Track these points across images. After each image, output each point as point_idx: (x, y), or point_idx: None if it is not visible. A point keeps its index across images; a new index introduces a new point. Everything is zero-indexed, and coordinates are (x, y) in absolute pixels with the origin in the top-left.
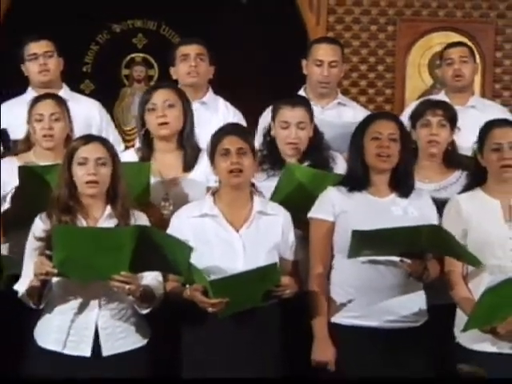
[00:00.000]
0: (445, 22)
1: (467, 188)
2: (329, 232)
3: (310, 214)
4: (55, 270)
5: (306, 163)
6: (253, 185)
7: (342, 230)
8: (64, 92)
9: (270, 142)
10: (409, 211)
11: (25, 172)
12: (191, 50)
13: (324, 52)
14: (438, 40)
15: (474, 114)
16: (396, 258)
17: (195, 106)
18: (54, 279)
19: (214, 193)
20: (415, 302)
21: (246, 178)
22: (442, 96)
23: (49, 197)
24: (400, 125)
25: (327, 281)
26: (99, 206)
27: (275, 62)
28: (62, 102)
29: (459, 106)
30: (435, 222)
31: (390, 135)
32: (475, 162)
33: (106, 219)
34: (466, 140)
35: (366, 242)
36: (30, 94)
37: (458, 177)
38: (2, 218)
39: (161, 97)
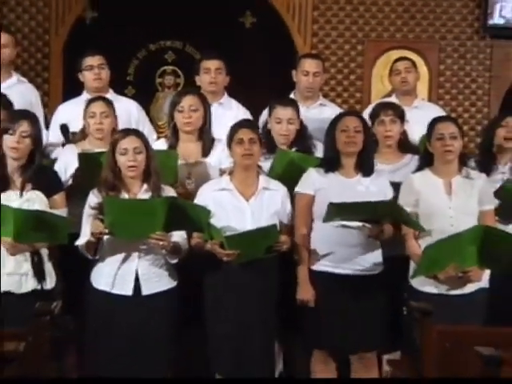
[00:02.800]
0: (400, 42)
1: (419, 168)
2: (310, 203)
3: (296, 189)
4: (106, 231)
5: (293, 149)
6: (259, 167)
7: (319, 201)
8: (110, 95)
9: (266, 132)
10: (370, 188)
11: (82, 157)
12: (212, 64)
13: (309, 65)
14: (395, 56)
15: (418, 113)
16: (360, 224)
17: (214, 106)
18: (105, 237)
19: (230, 173)
20: (374, 255)
21: (255, 160)
22: (393, 98)
23: (99, 176)
24: (363, 120)
25: (308, 238)
26: (137, 184)
27: (272, 72)
28: (109, 103)
29: (406, 106)
30: (390, 196)
31: (355, 128)
32: (424, 148)
33: (143, 193)
34: (411, 132)
35: (338, 212)
36: (85, 96)
37: (410, 159)
38: (66, 191)
39: (188, 102)
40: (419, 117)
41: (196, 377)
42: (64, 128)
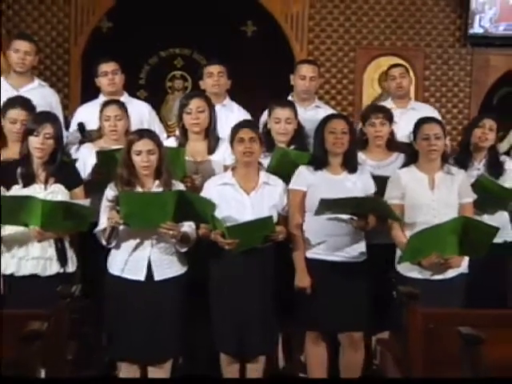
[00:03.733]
0: (389, 50)
1: (405, 165)
2: (303, 198)
3: (290, 187)
4: (121, 221)
5: (291, 147)
6: (259, 163)
7: (310, 196)
8: (124, 98)
9: (266, 132)
10: (356, 184)
11: (100, 155)
12: (214, 69)
13: (306, 70)
14: (384, 62)
15: (413, 114)
16: (347, 216)
17: (217, 107)
18: (121, 227)
19: (233, 169)
20: (359, 245)
21: (255, 157)
22: (389, 102)
23: (115, 171)
24: (349, 122)
25: (302, 229)
26: (150, 180)
27: (272, 76)
28: (122, 106)
29: (402, 108)
30: (373, 190)
31: (341, 130)
32: (411, 147)
33: (155, 188)
34: (408, 132)
35: (328, 207)
36: (101, 99)
37: (397, 156)
38: (85, 185)
39: (195, 104)
40: (416, 117)
41: (198, 375)
42: (81, 126)
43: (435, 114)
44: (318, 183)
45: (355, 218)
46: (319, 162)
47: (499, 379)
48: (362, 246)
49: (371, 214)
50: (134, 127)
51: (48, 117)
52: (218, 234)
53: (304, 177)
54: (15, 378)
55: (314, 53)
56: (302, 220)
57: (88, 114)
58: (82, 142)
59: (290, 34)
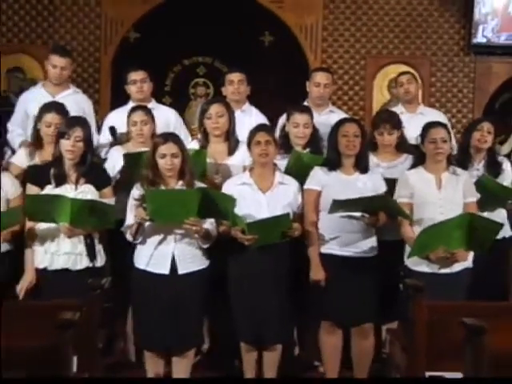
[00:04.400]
0: (397, 58)
1: (413, 166)
2: (317, 197)
3: (305, 186)
4: (148, 217)
5: (307, 149)
6: (275, 164)
7: (325, 195)
8: (152, 104)
9: (284, 135)
10: (367, 184)
11: (127, 157)
12: (235, 77)
13: (320, 77)
14: (393, 70)
15: (422, 118)
16: (359, 214)
17: (237, 113)
18: (146, 223)
19: (250, 169)
20: (371, 240)
21: (270, 159)
22: (399, 107)
23: (141, 172)
24: (361, 126)
25: (317, 226)
26: (174, 181)
27: (287, 83)
28: (148, 112)
29: (411, 113)
30: (384, 190)
31: (353, 133)
32: (419, 149)
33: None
34: (416, 135)
35: (341, 206)
36: (131, 104)
37: (405, 158)
38: (114, 185)
39: (215, 110)
40: (424, 122)
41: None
42: (112, 130)
43: (442, 118)
44: (331, 183)
45: (366, 215)
46: (333, 163)
47: (499, 379)
48: (373, 242)
49: (381, 211)
50: (161, 131)
51: (78, 121)
52: (238, 230)
53: (318, 177)
54: (16, 378)
55: (327, 61)
56: (317, 218)
57: (118, 118)
58: (112, 145)
59: (304, 43)
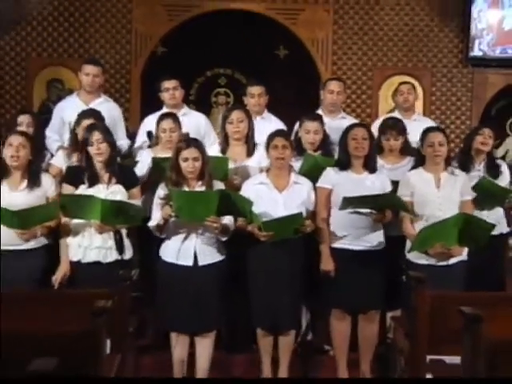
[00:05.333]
0: (401, 69)
1: (414, 167)
2: (328, 195)
3: (318, 184)
4: (173, 214)
5: (318, 152)
6: (291, 166)
7: (336, 194)
8: (184, 110)
9: (297, 140)
10: (375, 183)
11: (155, 160)
12: (256, 90)
13: (334, 85)
14: (397, 80)
15: (416, 125)
16: (367, 211)
17: (258, 119)
18: (171, 220)
19: (267, 170)
20: (378, 235)
21: (287, 161)
22: (396, 114)
23: (166, 174)
24: (369, 130)
25: (328, 222)
26: (195, 181)
27: (301, 92)
28: (176, 120)
29: (407, 119)
30: (390, 188)
31: (362, 136)
32: (419, 152)
33: (198, 188)
34: (412, 139)
35: (350, 203)
36: (164, 110)
37: (409, 160)
38: (142, 185)
39: (236, 115)
40: (418, 127)
41: (198, 378)
42: (150, 134)
43: (433, 124)
44: (342, 182)
45: (374, 212)
46: (343, 163)
47: (499, 379)
48: (380, 236)
49: (388, 208)
50: (192, 135)
51: (94, 127)
52: (255, 227)
53: (330, 177)
54: (15, 378)
55: (337, 72)
56: (328, 214)
57: (154, 123)
58: (150, 147)
59: (316, 56)
